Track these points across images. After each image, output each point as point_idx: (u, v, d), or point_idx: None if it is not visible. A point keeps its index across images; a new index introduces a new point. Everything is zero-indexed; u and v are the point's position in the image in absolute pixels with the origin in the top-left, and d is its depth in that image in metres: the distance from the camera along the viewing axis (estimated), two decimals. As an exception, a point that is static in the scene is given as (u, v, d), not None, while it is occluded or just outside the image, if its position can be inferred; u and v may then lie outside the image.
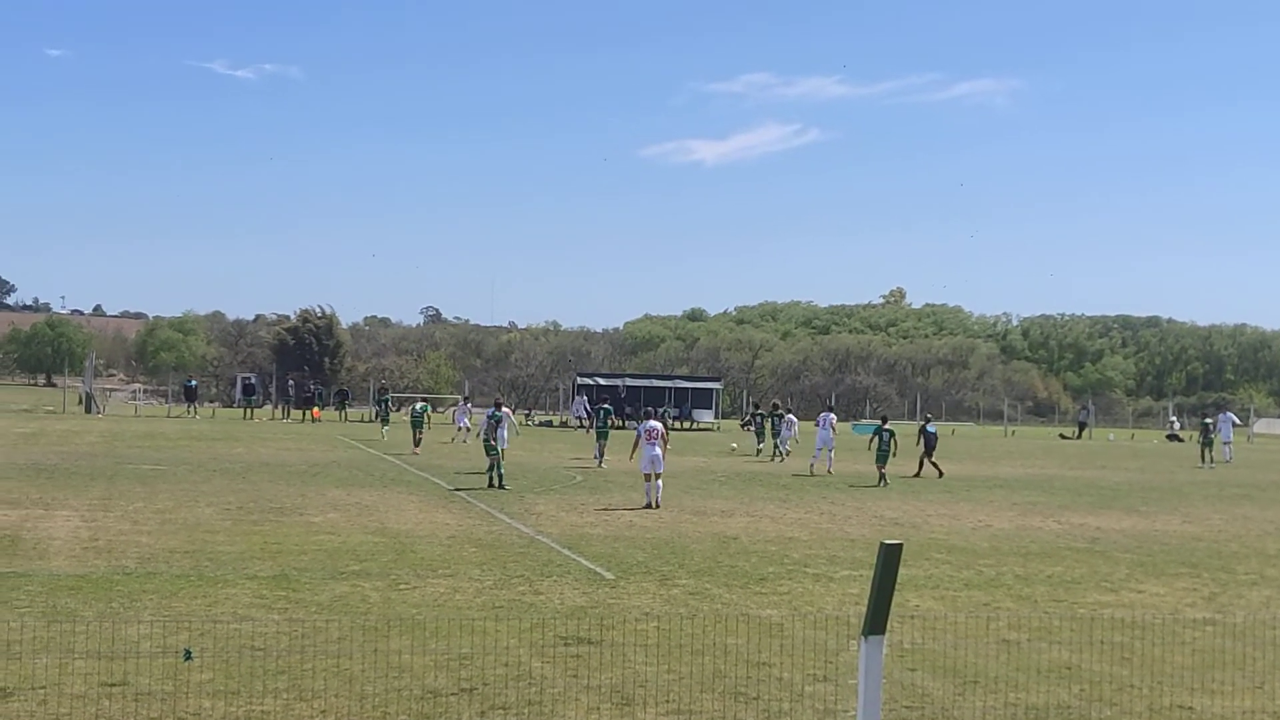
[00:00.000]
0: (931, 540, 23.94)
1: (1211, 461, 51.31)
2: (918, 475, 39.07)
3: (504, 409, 35.51)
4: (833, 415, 43.80)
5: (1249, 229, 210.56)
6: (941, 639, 14.44)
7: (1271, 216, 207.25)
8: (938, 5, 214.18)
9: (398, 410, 74.39)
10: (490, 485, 31.67)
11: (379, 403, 60.23)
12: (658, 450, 28.92)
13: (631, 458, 29.80)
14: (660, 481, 28.71)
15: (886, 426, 38.00)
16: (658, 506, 28.02)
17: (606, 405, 47.36)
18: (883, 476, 36.57)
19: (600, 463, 40.74)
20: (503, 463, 32.55)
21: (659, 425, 30.05)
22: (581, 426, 68.16)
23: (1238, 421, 54.69)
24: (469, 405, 57.15)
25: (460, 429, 52.37)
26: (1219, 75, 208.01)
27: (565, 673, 12.47)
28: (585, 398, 71.24)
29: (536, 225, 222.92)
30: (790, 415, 49.68)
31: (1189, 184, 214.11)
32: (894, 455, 37.03)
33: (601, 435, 43.07)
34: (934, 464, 39.79)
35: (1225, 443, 54.29)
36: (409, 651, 12.88)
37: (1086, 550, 23.26)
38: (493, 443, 32.64)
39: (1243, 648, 14.37)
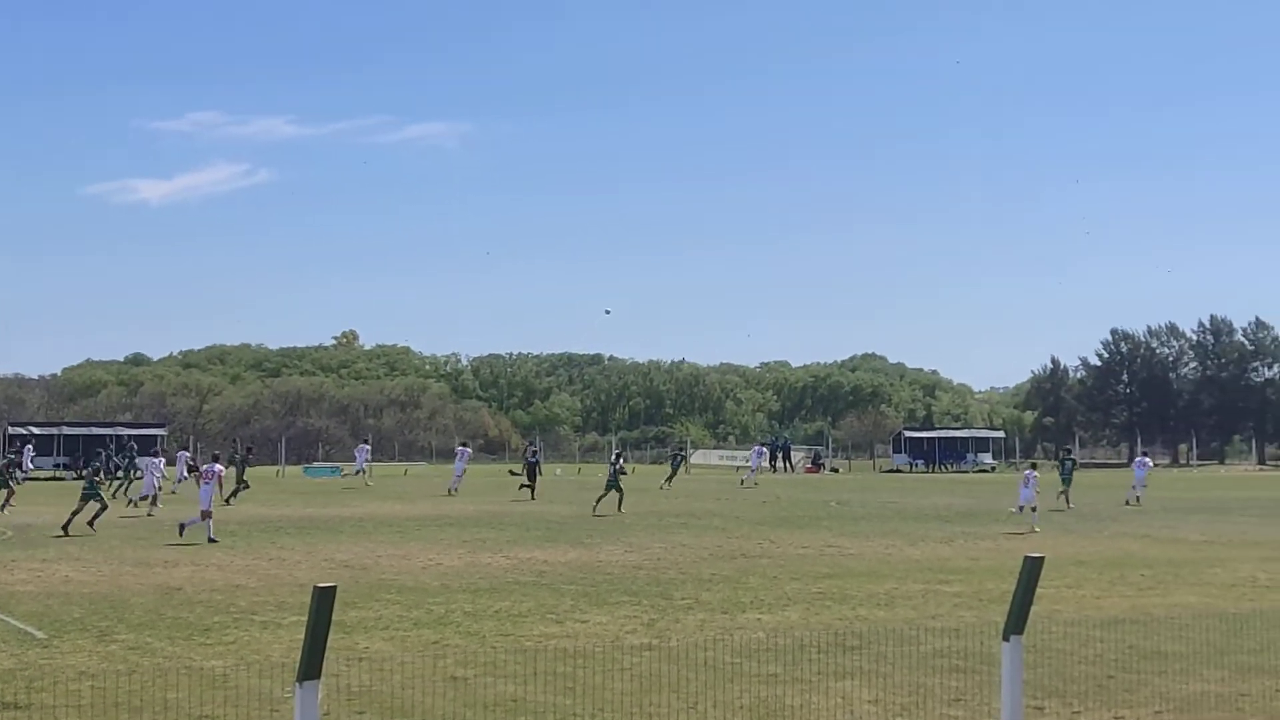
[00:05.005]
0: (381, 581, 23.89)
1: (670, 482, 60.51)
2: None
3: None
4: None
5: (673, 266, 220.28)
6: (390, 680, 14.38)
7: (685, 254, 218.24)
8: (385, 50, 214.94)
9: None
10: None
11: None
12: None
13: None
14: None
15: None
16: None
17: None
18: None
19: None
20: None
21: (219, 468, 35.50)
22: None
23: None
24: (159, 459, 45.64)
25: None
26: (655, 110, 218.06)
27: (-13, 743, 11.65)
28: None
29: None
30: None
31: (610, 222, 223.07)
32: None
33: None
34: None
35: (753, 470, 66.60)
36: None
37: (534, 584, 23.79)
38: None
39: (678, 670, 15.00)
